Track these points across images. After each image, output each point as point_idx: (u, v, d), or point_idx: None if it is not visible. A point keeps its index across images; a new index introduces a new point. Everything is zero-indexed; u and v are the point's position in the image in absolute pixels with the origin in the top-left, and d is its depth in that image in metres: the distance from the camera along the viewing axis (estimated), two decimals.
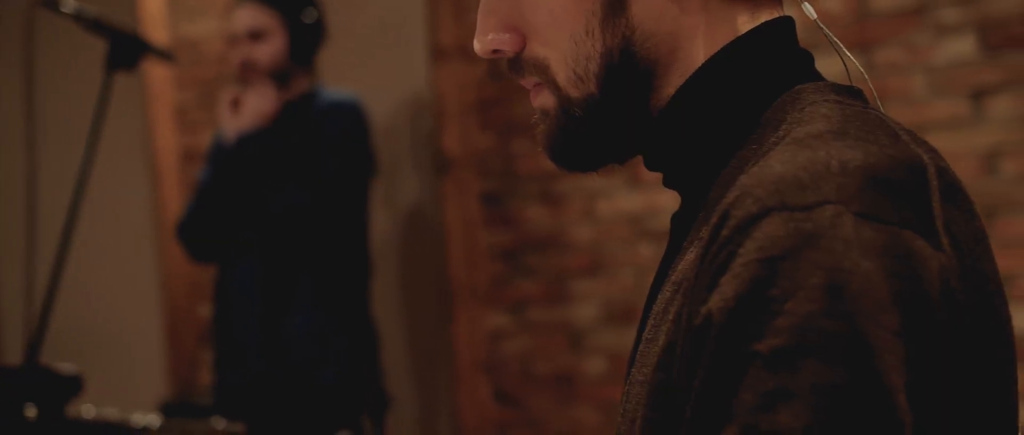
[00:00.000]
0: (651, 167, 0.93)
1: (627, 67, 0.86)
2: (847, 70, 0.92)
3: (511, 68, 0.92)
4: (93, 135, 1.92)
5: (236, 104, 2.63)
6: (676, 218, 0.93)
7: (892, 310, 0.70)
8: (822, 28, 0.91)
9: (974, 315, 0.75)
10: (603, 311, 3.58)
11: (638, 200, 3.50)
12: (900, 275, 0.71)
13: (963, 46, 2.99)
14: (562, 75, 0.88)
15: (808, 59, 0.90)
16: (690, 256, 0.83)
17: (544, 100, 0.91)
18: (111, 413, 2.37)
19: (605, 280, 3.57)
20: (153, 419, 2.34)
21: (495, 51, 0.91)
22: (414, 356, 3.79)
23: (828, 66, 0.96)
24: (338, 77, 3.46)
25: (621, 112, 0.88)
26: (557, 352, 3.67)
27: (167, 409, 2.55)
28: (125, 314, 4.27)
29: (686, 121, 0.87)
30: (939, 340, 0.72)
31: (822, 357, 0.69)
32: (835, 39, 0.91)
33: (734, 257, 0.72)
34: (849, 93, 0.85)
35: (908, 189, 0.74)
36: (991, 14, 2.83)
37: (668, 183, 0.93)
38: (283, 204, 2.53)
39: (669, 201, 3.46)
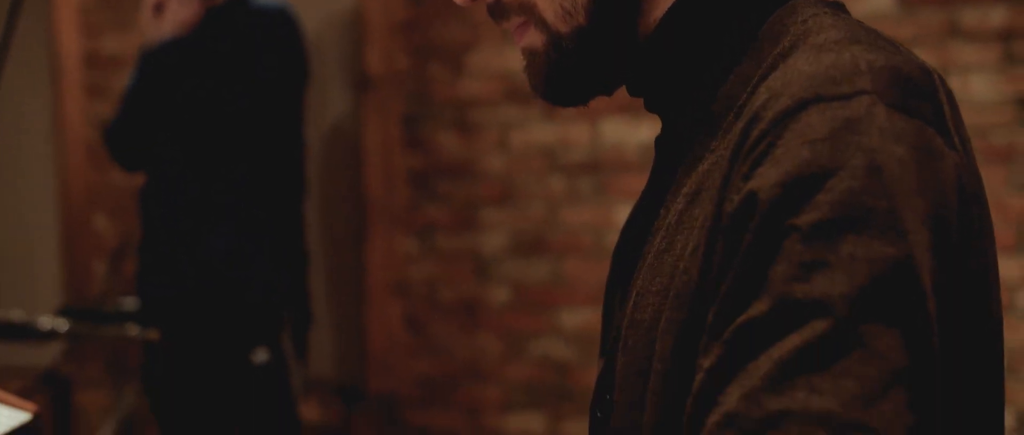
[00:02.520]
0: (634, 92, 0.94)
1: None
2: None
3: (493, 12, 0.92)
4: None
5: (159, 9, 2.56)
6: (660, 141, 0.94)
7: (919, 197, 0.73)
8: None
9: (979, 208, 0.79)
10: (511, 241, 3.61)
11: (552, 132, 3.52)
12: (925, 166, 0.74)
13: (881, 2, 3.06)
14: (550, 12, 0.88)
15: None
16: (704, 167, 0.84)
17: (531, 39, 0.91)
18: (16, 315, 2.32)
19: (515, 211, 3.59)
20: (60, 323, 2.29)
21: None
22: (325, 275, 3.77)
23: None
24: None
25: (611, 40, 0.89)
26: (463, 280, 3.69)
27: (67, 313, 2.49)
28: (22, 220, 4.15)
29: (678, 40, 0.88)
30: (953, 232, 0.76)
31: (861, 230, 0.71)
32: None
33: (774, 147, 0.75)
34: (840, 7, 0.88)
35: (925, 90, 0.77)
36: None
37: (651, 107, 0.94)
38: (216, 109, 2.48)
39: (583, 136, 3.49)
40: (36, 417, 0.91)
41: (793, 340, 0.71)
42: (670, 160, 0.91)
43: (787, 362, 0.71)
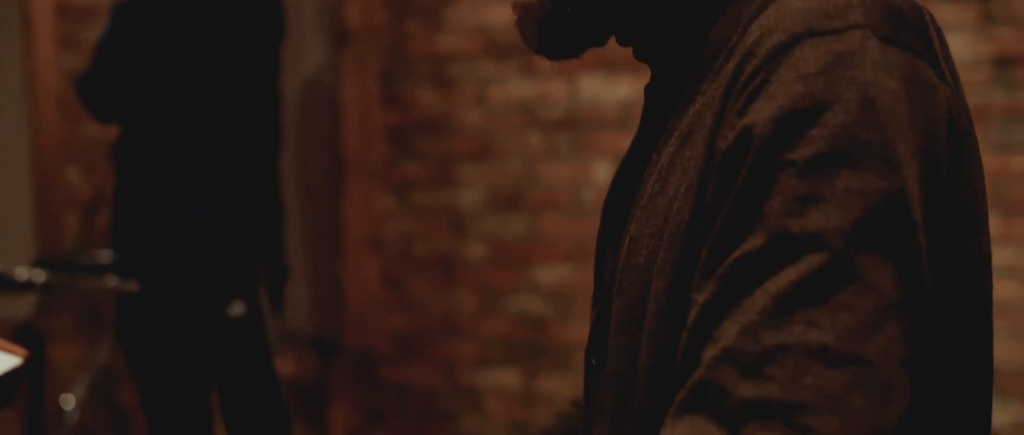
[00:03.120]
0: (624, 42, 0.94)
1: None
2: None
3: None
4: None
5: None
6: (650, 89, 0.94)
7: (911, 130, 0.74)
8: None
9: (969, 143, 0.80)
10: (488, 197, 3.60)
11: (531, 88, 3.51)
12: (918, 99, 0.75)
13: None
14: None
15: None
16: (695, 108, 0.84)
17: None
18: None
19: (492, 167, 3.58)
20: (37, 274, 2.27)
21: None
22: (302, 230, 3.76)
23: None
24: None
25: None
26: (439, 236, 3.68)
27: (43, 264, 2.47)
28: None
29: None
30: (944, 165, 0.77)
31: (855, 164, 0.72)
32: None
33: (767, 83, 0.75)
34: None
35: (916, 24, 0.78)
36: None
37: (640, 55, 0.94)
38: (189, 62, 2.45)
39: (561, 92, 3.48)
40: (26, 361, 0.90)
41: (789, 274, 0.71)
42: (660, 107, 0.91)
43: (784, 297, 0.71)
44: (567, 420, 1.21)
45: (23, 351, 0.91)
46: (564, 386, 3.49)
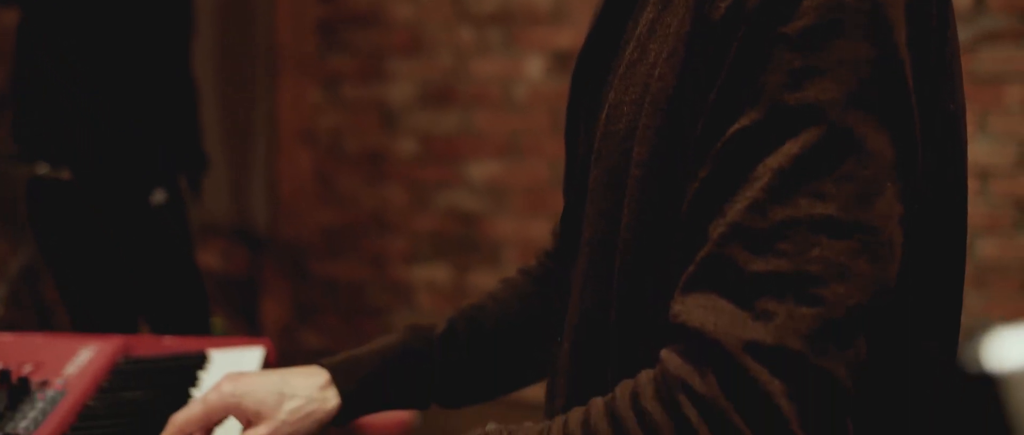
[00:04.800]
0: None
1: None
2: None
3: None
4: None
5: None
6: None
7: None
8: None
9: (950, 32, 0.82)
10: (419, 92, 3.57)
11: None
12: None
13: None
14: None
15: None
16: None
17: None
18: None
19: (423, 61, 3.54)
20: None
21: None
22: (234, 121, 3.70)
23: None
24: None
25: None
26: (369, 130, 3.65)
27: None
28: None
29: None
30: (933, 21, 0.79)
31: (847, 33, 0.74)
32: None
33: None
34: None
35: None
36: None
37: None
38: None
39: None
40: None
41: (790, 148, 0.73)
42: None
43: (787, 171, 0.73)
44: (511, 285, 1.22)
45: None
46: (495, 281, 3.50)
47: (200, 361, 1.37)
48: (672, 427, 0.75)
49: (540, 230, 3.38)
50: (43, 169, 2.28)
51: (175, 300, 2.56)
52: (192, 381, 1.30)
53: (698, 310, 0.75)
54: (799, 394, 0.72)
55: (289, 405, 1.06)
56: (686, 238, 0.79)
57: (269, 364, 1.40)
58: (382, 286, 3.69)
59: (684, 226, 0.79)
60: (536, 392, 1.39)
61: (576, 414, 0.81)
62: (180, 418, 1.03)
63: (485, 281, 3.53)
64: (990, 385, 0.55)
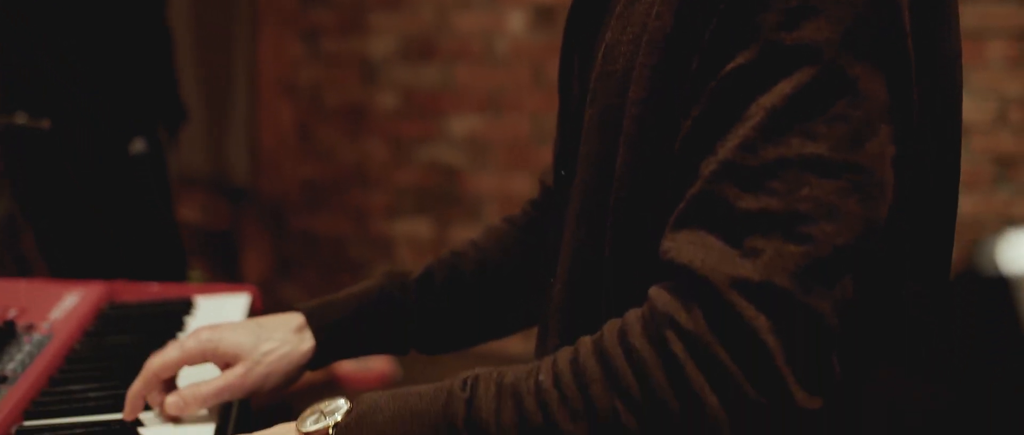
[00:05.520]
0: None
1: None
2: None
3: None
4: None
5: None
6: None
7: None
8: None
9: None
10: (400, 46, 3.55)
11: None
12: None
13: None
14: None
15: None
16: None
17: None
18: None
19: (404, 14, 3.52)
20: None
21: None
22: (214, 74, 3.67)
23: None
24: None
25: None
26: (350, 84, 3.63)
27: None
28: None
29: None
30: None
31: None
32: None
33: None
34: None
35: None
36: None
37: None
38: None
39: None
40: None
41: (783, 87, 0.74)
42: None
43: (779, 110, 0.74)
44: (494, 232, 1.23)
45: None
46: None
47: (186, 307, 1.37)
48: (659, 363, 0.75)
49: (521, 184, 3.38)
50: (22, 119, 2.26)
51: (152, 251, 2.55)
52: (178, 326, 1.30)
53: (687, 247, 0.76)
54: (784, 331, 0.73)
55: (264, 346, 1.07)
56: (678, 176, 0.79)
57: (255, 311, 1.40)
58: (363, 240, 3.69)
59: (676, 163, 0.79)
60: (521, 346, 1.40)
61: (565, 353, 0.82)
62: (156, 362, 1.04)
63: (466, 235, 3.51)
64: (1005, 287, 0.56)
